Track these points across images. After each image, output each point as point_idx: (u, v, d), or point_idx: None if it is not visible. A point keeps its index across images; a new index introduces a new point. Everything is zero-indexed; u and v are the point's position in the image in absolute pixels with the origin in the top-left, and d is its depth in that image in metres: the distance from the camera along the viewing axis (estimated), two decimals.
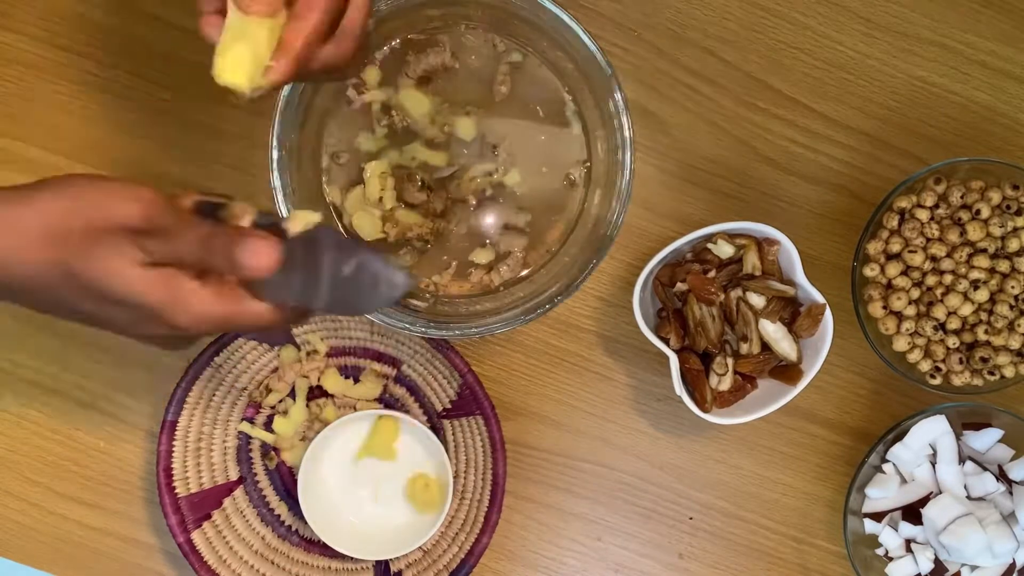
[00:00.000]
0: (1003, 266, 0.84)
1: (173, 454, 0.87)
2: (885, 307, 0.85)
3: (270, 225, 0.59)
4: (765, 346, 0.84)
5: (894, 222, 0.85)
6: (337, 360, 0.90)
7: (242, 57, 0.54)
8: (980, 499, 0.86)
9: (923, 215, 0.84)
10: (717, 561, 0.91)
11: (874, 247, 0.85)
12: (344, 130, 0.83)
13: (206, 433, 0.89)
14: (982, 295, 0.83)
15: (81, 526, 0.90)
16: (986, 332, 0.84)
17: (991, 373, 0.84)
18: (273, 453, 0.90)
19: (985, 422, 0.87)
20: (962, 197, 0.84)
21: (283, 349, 0.89)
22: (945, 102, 0.91)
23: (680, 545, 0.91)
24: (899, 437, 0.86)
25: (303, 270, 0.59)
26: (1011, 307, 0.83)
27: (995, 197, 0.84)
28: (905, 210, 0.85)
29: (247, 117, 0.89)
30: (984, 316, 0.84)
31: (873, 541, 0.88)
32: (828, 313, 0.83)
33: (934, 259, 0.84)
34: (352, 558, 0.88)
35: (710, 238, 0.84)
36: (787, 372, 0.84)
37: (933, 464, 0.87)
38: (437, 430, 0.89)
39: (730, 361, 0.84)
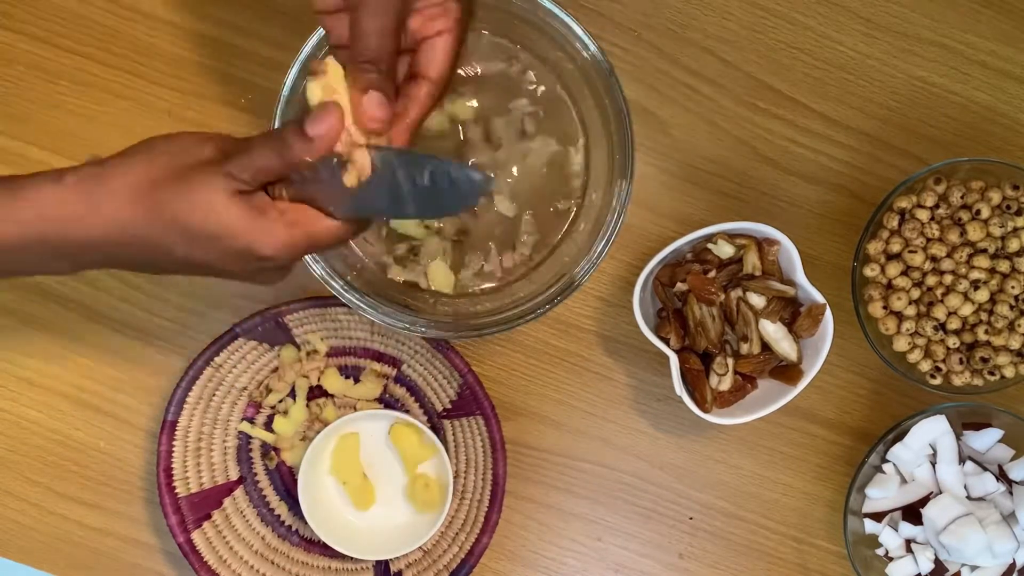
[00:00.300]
0: (1003, 266, 0.84)
1: (173, 454, 0.87)
2: (885, 307, 0.85)
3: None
4: (765, 346, 0.84)
5: (894, 222, 0.85)
6: (337, 360, 0.90)
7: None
8: (980, 499, 0.86)
9: (923, 215, 0.84)
10: (717, 561, 0.91)
11: (874, 247, 0.85)
12: None
13: (206, 433, 0.89)
14: (982, 295, 0.83)
15: (81, 526, 0.90)
16: (986, 332, 0.84)
17: (991, 373, 0.84)
18: (273, 453, 0.90)
19: (985, 422, 0.87)
20: (962, 197, 0.84)
21: (283, 349, 0.89)
22: (945, 102, 0.91)
23: (680, 545, 0.91)
24: (899, 437, 0.86)
25: (385, 187, 0.62)
26: (1011, 307, 0.83)
27: (995, 197, 0.84)
28: (905, 210, 0.85)
29: (248, 117, 0.89)
30: (984, 316, 0.84)
31: (873, 541, 0.88)
32: (828, 313, 0.83)
33: (934, 259, 0.84)
34: (352, 558, 0.88)
35: (710, 238, 0.84)
36: (787, 372, 0.84)
37: (933, 464, 0.87)
38: (437, 430, 0.89)
39: (730, 361, 0.84)
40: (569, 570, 0.91)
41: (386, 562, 0.89)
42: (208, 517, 0.88)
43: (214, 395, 0.88)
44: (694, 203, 0.90)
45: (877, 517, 0.87)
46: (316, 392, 0.90)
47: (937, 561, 0.86)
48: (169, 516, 0.86)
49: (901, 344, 0.85)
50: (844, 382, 0.91)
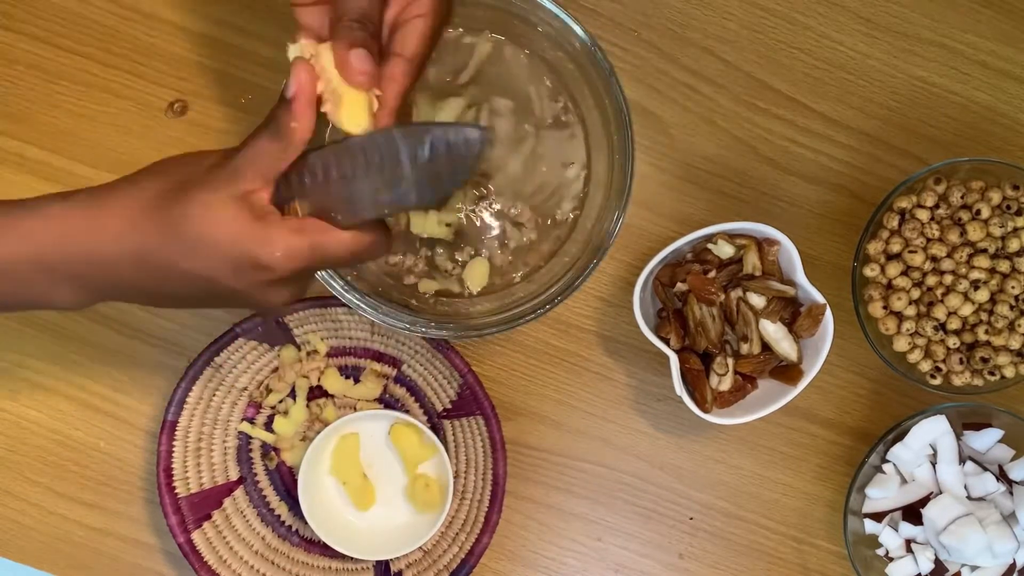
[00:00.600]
0: (1003, 266, 0.84)
1: (173, 454, 0.87)
2: (885, 307, 0.85)
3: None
4: (765, 346, 0.84)
5: (894, 222, 0.85)
6: (337, 360, 0.90)
7: (356, 111, 0.62)
8: (980, 499, 0.86)
9: (923, 215, 0.84)
10: (717, 561, 0.91)
11: (874, 247, 0.85)
12: None
13: (206, 433, 0.89)
14: (982, 295, 0.83)
15: (81, 526, 0.90)
16: (986, 332, 0.84)
17: (991, 373, 0.84)
18: (273, 453, 0.90)
19: (985, 422, 0.87)
20: (962, 197, 0.84)
21: (283, 349, 0.89)
22: (945, 102, 0.91)
23: (680, 545, 0.91)
24: (899, 437, 0.86)
25: (386, 171, 0.61)
26: (1011, 307, 0.83)
27: (995, 197, 0.84)
28: (905, 210, 0.85)
29: (249, 117, 0.89)
30: (984, 316, 0.84)
31: (873, 541, 0.88)
32: (828, 313, 0.83)
33: (934, 259, 0.84)
34: (352, 558, 0.88)
35: (710, 238, 0.84)
36: (787, 372, 0.84)
37: (933, 464, 0.87)
38: (437, 430, 0.89)
39: (730, 361, 0.84)
40: (569, 570, 0.91)
41: (386, 562, 0.89)
42: (208, 517, 0.88)
43: (214, 395, 0.88)
44: (694, 203, 0.90)
45: (877, 517, 0.87)
46: (316, 392, 0.90)
47: (937, 561, 0.86)
48: (169, 516, 0.86)
49: (901, 344, 0.85)
50: (844, 382, 0.91)
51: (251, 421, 0.90)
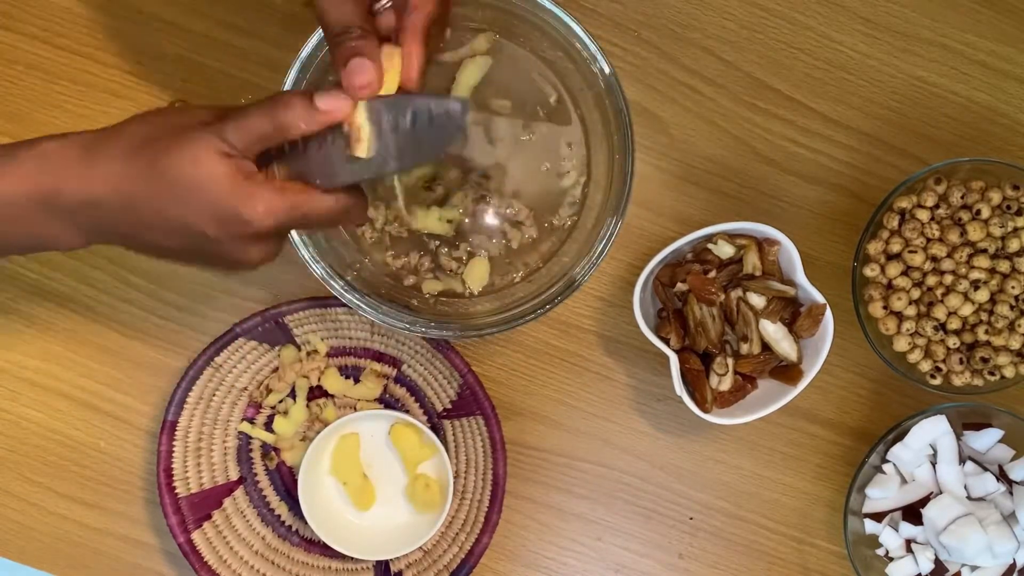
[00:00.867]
0: (1003, 266, 0.84)
1: (173, 454, 0.87)
2: (885, 307, 0.85)
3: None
4: (765, 346, 0.84)
5: (894, 222, 0.85)
6: (337, 360, 0.90)
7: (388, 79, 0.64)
8: (980, 499, 0.86)
9: (923, 215, 0.84)
10: (717, 561, 0.91)
11: (874, 247, 0.85)
12: None
13: (206, 433, 0.89)
14: (982, 295, 0.83)
15: (81, 526, 0.90)
16: (986, 332, 0.84)
17: (991, 373, 0.84)
18: (273, 453, 0.90)
19: (985, 422, 0.87)
20: (962, 197, 0.84)
21: (283, 349, 0.89)
22: (945, 102, 0.91)
23: (680, 545, 0.91)
24: (899, 437, 0.86)
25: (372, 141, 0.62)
26: (1011, 307, 0.83)
27: (995, 197, 0.84)
28: (905, 210, 0.85)
29: None
30: (984, 316, 0.84)
31: (873, 541, 0.88)
32: (828, 313, 0.83)
33: (934, 259, 0.84)
34: (352, 558, 0.88)
35: (710, 238, 0.84)
36: (787, 372, 0.84)
37: (933, 464, 0.87)
38: (437, 430, 0.89)
39: (730, 361, 0.84)
40: (569, 570, 0.91)
41: (386, 562, 0.89)
42: (208, 517, 0.88)
43: (214, 395, 0.88)
44: (694, 203, 0.90)
45: (877, 517, 0.87)
46: (316, 392, 0.90)
47: (937, 561, 0.86)
48: (169, 516, 0.86)
49: (901, 344, 0.85)
50: (844, 382, 0.91)
51: (251, 421, 0.90)
